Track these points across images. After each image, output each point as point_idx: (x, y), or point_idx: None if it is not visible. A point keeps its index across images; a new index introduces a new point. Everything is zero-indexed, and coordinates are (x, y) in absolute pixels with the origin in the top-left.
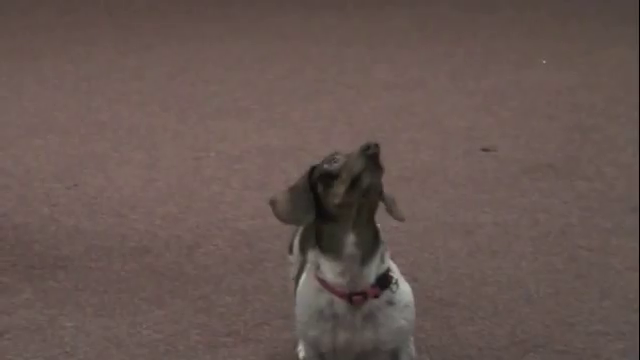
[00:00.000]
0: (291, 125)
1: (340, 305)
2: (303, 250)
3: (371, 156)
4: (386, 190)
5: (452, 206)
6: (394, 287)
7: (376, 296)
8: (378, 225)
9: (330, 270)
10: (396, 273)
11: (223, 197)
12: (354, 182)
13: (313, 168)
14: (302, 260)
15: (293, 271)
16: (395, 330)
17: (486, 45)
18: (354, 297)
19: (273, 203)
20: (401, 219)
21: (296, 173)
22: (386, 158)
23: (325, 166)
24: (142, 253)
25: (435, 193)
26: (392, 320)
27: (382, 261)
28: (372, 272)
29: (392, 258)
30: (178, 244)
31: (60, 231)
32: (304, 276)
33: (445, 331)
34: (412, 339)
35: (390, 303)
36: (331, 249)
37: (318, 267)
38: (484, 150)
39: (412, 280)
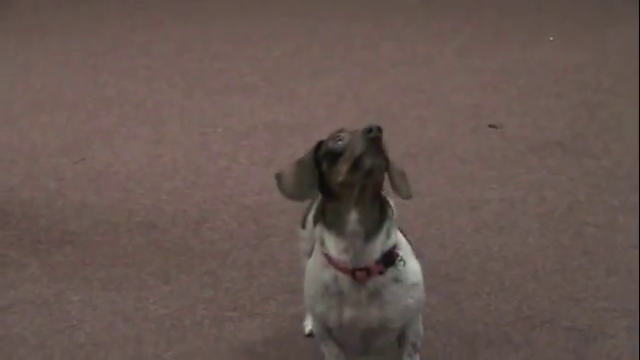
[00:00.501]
0: (298, 101)
1: (344, 281)
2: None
3: (373, 139)
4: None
5: (459, 182)
6: (400, 264)
7: (380, 272)
8: (391, 201)
9: (334, 246)
10: (405, 250)
11: (229, 172)
12: (356, 163)
13: (320, 143)
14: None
15: (304, 246)
16: (402, 308)
17: (493, 23)
18: (357, 273)
19: (279, 177)
20: (407, 197)
21: (303, 149)
22: (393, 135)
23: (330, 144)
24: (148, 228)
25: (442, 169)
26: (398, 298)
27: (388, 237)
28: (376, 248)
29: (404, 235)
30: (184, 219)
31: (67, 206)
32: (314, 252)
33: (451, 307)
34: (420, 317)
35: (396, 280)
36: (335, 225)
37: (323, 243)
38: (491, 126)
39: (418, 256)
